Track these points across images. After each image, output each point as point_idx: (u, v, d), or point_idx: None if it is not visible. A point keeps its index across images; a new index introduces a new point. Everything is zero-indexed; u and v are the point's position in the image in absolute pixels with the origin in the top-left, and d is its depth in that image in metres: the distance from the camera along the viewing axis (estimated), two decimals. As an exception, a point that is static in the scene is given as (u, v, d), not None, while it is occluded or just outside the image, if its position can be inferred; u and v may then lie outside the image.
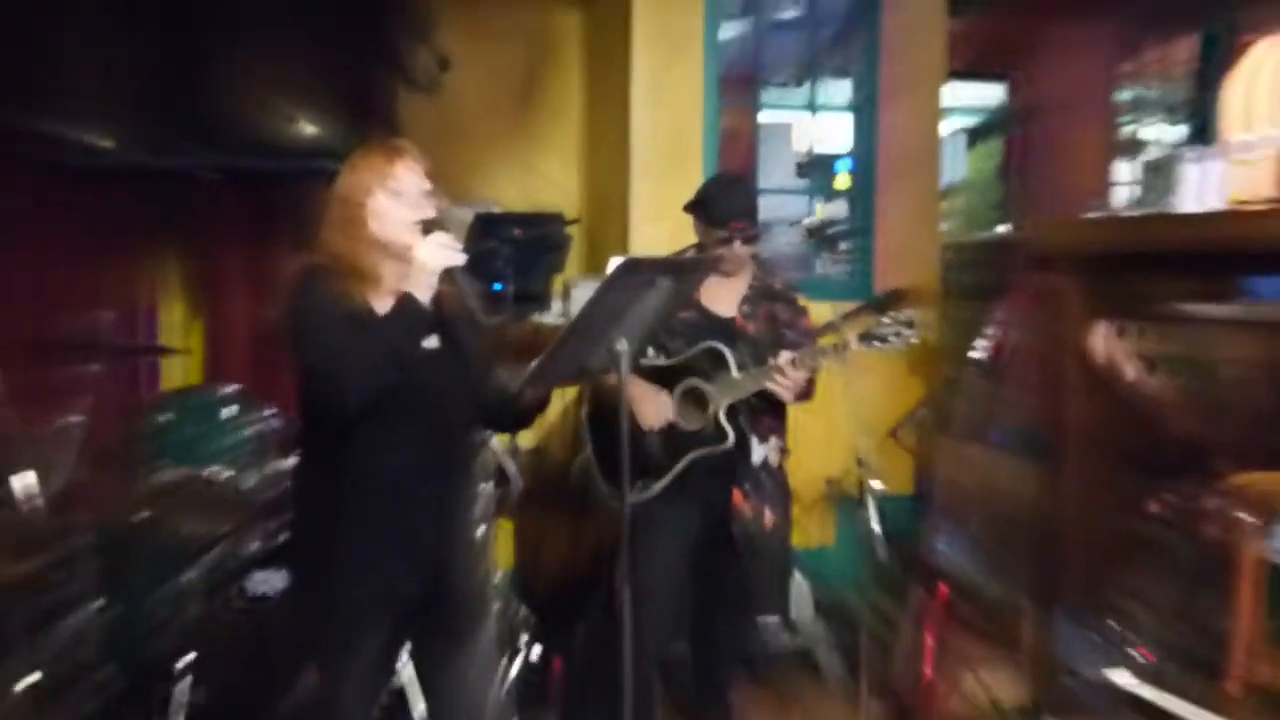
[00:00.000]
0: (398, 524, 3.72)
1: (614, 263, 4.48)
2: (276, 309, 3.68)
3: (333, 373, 3.54)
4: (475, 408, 3.97)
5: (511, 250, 5.61)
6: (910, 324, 4.93)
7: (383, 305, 3.61)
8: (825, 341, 4.97)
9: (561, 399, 5.76)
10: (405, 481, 3.72)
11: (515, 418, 4.32)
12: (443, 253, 3.61)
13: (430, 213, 3.68)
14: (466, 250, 3.73)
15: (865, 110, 7.05)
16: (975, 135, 11.49)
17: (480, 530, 4.81)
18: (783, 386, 4.92)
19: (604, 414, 5.13)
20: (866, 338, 4.92)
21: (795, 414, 5.40)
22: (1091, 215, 5.66)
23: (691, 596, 5.39)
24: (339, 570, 3.72)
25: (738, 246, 5.11)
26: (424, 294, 3.58)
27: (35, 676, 4.85)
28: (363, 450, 3.66)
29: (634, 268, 3.92)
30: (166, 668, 4.98)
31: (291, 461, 5.16)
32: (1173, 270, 5.45)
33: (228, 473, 5.14)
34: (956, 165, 10.70)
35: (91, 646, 5.21)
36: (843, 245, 7.19)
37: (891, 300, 5.13)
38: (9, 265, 6.30)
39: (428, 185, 3.71)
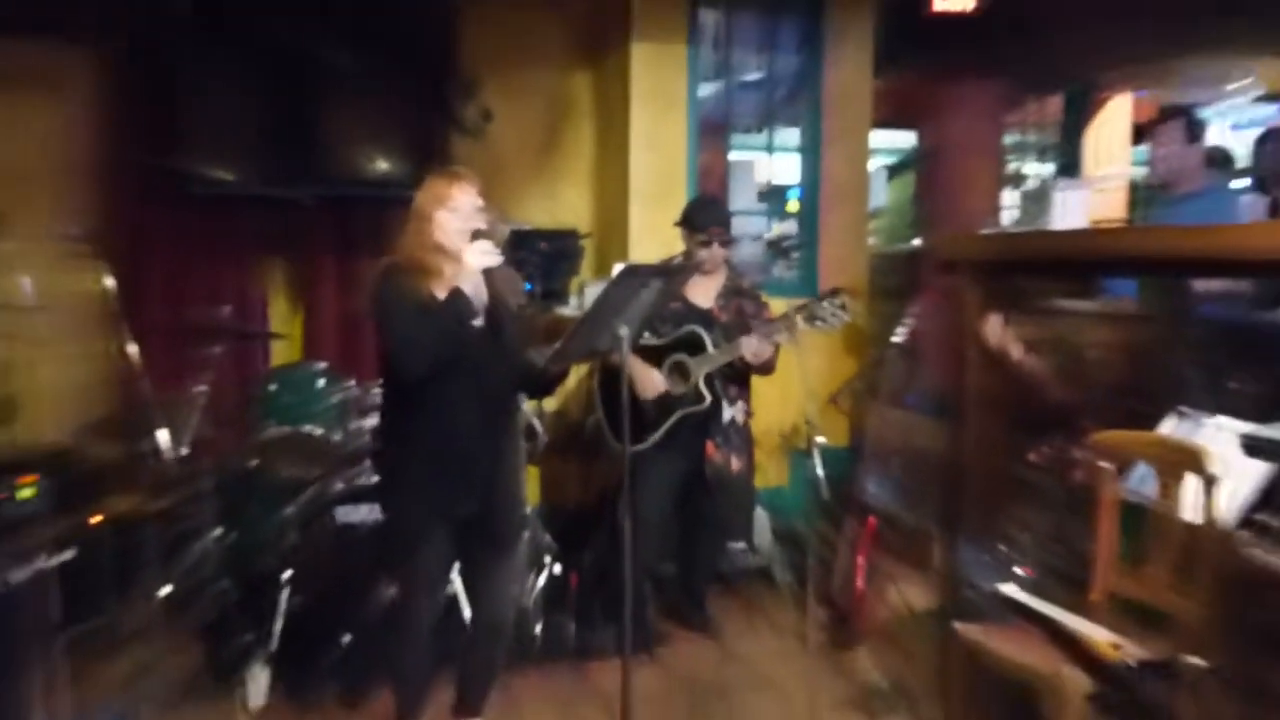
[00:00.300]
0: (457, 463, 3.77)
1: (617, 268, 4.46)
2: (364, 296, 3.81)
3: (403, 344, 3.64)
4: (512, 376, 3.99)
5: (538, 258, 5.68)
6: (844, 307, 5.02)
7: (442, 295, 3.66)
8: (784, 322, 5.03)
9: (577, 373, 5.75)
10: (462, 431, 3.77)
11: (542, 387, 4.40)
12: (484, 257, 3.67)
13: (480, 225, 3.74)
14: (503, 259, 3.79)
15: (810, 151, 7.04)
16: (894, 170, 11.46)
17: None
18: (749, 355, 4.99)
19: (611, 384, 5.16)
20: (811, 318, 4.99)
21: (758, 383, 5.46)
22: (985, 231, 5.67)
23: (676, 526, 5.43)
24: (412, 498, 3.78)
25: (715, 248, 5.24)
26: (470, 287, 3.68)
27: (168, 589, 4.91)
28: (430, 406, 3.72)
29: (632, 272, 3.89)
30: (271, 581, 4.99)
31: (369, 422, 5.17)
32: (1047, 274, 5.44)
33: (319, 430, 5.13)
34: (880, 193, 10.67)
35: (212, 565, 5.27)
36: (794, 254, 7.19)
37: (830, 296, 5.15)
38: (152, 270, 6.37)
39: (479, 203, 3.76)
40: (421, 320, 3.62)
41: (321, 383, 5.25)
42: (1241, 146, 8.27)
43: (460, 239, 3.69)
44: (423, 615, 3.89)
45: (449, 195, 3.72)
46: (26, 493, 4.63)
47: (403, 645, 3.93)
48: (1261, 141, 6.83)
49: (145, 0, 5.34)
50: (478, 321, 3.77)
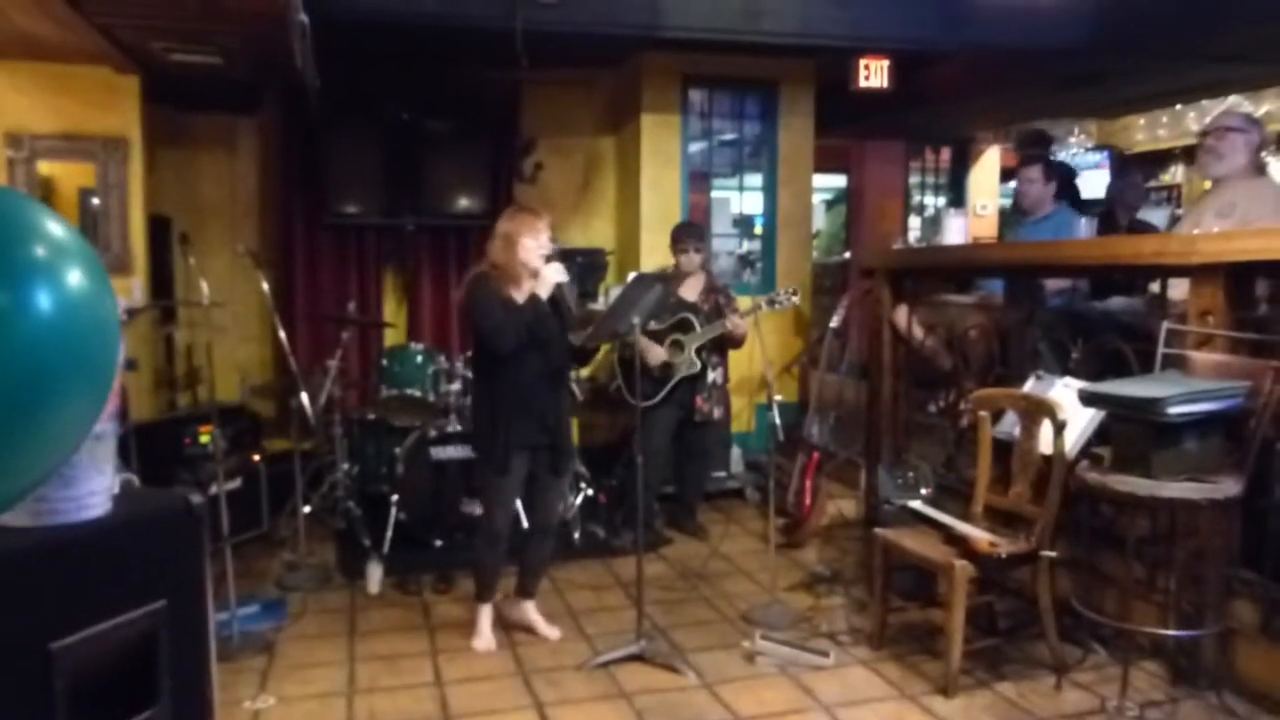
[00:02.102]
0: (531, 412, 3.74)
1: (631, 275, 4.45)
2: (461, 294, 3.81)
3: (495, 332, 3.62)
4: (569, 351, 3.95)
5: (577, 269, 5.61)
6: (795, 293, 5.13)
7: (519, 297, 3.69)
8: (746, 308, 5.04)
9: (603, 349, 5.67)
10: (534, 389, 3.75)
11: (579, 359, 4.33)
12: (558, 274, 3.73)
13: (550, 250, 3.76)
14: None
15: (769, 190, 6.95)
16: (830, 203, 11.42)
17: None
18: (732, 327, 5.04)
19: (628, 357, 5.12)
20: (772, 304, 5.07)
21: (733, 354, 5.45)
22: (895, 246, 5.57)
23: (675, 458, 5.39)
24: (501, 439, 3.71)
25: (690, 254, 5.27)
26: (545, 294, 3.70)
27: (309, 507, 4.90)
28: (512, 374, 3.70)
29: (642, 278, 4.01)
30: (384, 501, 4.98)
31: (455, 386, 5.09)
32: (939, 276, 5.36)
33: (419, 392, 5.07)
34: (819, 220, 10.60)
35: (342, 489, 5.27)
36: (758, 264, 7.10)
37: (785, 289, 5.17)
38: (299, 276, 6.45)
39: (550, 234, 3.78)
40: (509, 315, 3.62)
41: (420, 358, 5.19)
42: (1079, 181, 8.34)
43: (538, 259, 3.69)
44: (501, 525, 3.81)
45: (534, 227, 3.71)
46: (205, 438, 4.59)
47: (487, 546, 3.86)
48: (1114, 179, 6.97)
49: (295, 85, 5.28)
50: (546, 314, 3.74)
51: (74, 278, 1.17)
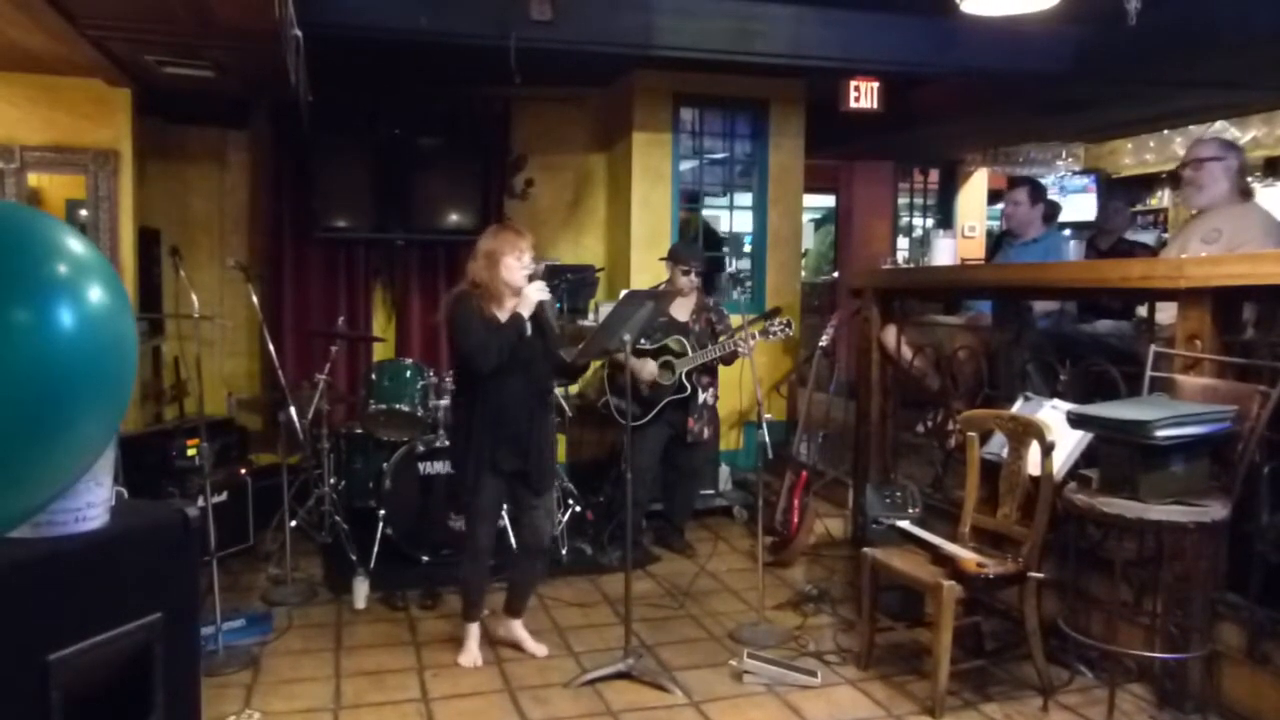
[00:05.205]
0: (507, 437, 3.74)
1: (622, 293, 4.46)
2: (442, 313, 3.84)
3: (476, 351, 3.63)
4: (551, 370, 3.94)
5: (567, 285, 5.67)
6: (789, 325, 5.09)
7: (502, 315, 3.69)
8: (739, 332, 5.03)
9: (593, 366, 5.68)
10: (514, 412, 3.74)
11: (569, 376, 4.38)
12: (541, 292, 3.72)
13: (534, 268, 3.77)
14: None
15: (759, 209, 7.00)
16: (819, 223, 11.47)
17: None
18: (726, 353, 5.06)
19: (618, 375, 5.13)
20: (765, 334, 5.06)
21: (722, 373, 5.46)
22: (884, 267, 5.61)
23: (664, 476, 5.40)
24: (477, 457, 3.72)
25: (692, 276, 5.25)
26: (527, 312, 3.69)
27: (295, 522, 4.87)
28: (492, 394, 3.70)
29: (633, 296, 3.98)
30: (371, 516, 4.98)
31: (443, 402, 5.09)
32: (928, 297, 5.40)
33: (407, 407, 5.05)
34: (808, 239, 10.65)
35: (329, 504, 5.26)
36: (747, 283, 7.14)
37: (773, 313, 5.19)
38: (288, 290, 6.46)
39: (532, 253, 3.78)
40: (490, 334, 3.63)
41: (409, 373, 5.18)
42: (1065, 203, 8.47)
43: (522, 278, 3.69)
44: (484, 541, 3.82)
45: (517, 246, 3.70)
46: (192, 451, 4.58)
47: (470, 562, 3.87)
48: (1101, 207, 7.20)
49: (286, 99, 5.31)
50: (528, 333, 3.73)
51: (94, 295, 1.18)
